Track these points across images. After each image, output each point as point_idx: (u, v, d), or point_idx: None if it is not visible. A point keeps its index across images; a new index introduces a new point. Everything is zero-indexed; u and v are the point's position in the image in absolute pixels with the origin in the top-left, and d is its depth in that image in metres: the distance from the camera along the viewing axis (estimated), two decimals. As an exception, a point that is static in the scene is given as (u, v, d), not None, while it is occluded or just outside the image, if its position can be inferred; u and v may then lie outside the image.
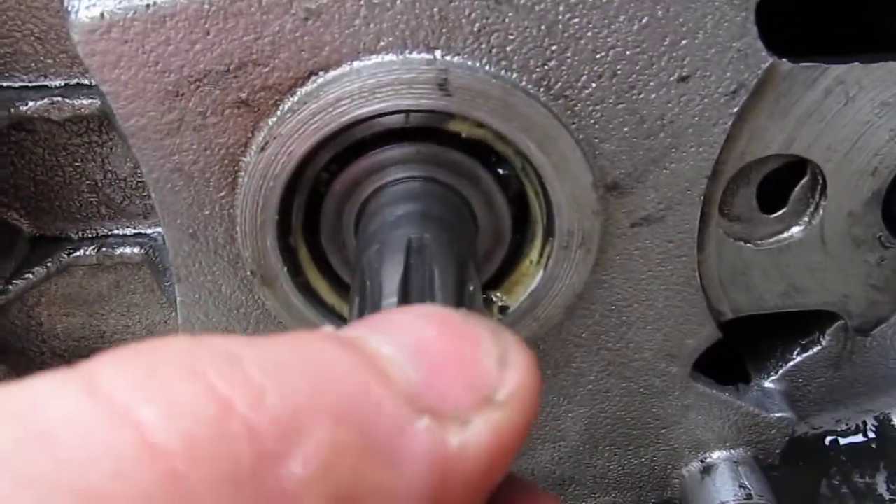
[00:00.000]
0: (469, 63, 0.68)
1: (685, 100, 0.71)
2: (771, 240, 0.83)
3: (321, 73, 0.68)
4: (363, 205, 0.75)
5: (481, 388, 0.36)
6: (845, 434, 1.00)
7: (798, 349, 0.94)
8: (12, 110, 0.82)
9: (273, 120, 0.70)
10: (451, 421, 0.35)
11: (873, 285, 0.86)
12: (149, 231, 0.92)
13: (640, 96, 0.71)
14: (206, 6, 0.66)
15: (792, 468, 0.98)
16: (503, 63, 0.69)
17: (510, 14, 0.67)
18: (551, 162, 0.71)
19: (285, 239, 0.75)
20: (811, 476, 1.00)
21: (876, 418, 0.99)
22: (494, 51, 0.68)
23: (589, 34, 0.68)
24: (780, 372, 0.95)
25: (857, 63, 0.73)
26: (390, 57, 0.68)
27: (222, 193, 0.74)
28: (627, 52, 0.69)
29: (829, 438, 1.00)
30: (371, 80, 0.68)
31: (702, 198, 0.76)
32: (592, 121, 0.71)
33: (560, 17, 0.67)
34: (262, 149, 0.70)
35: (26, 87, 0.83)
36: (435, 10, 0.66)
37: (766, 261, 0.84)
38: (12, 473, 0.27)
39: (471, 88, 0.68)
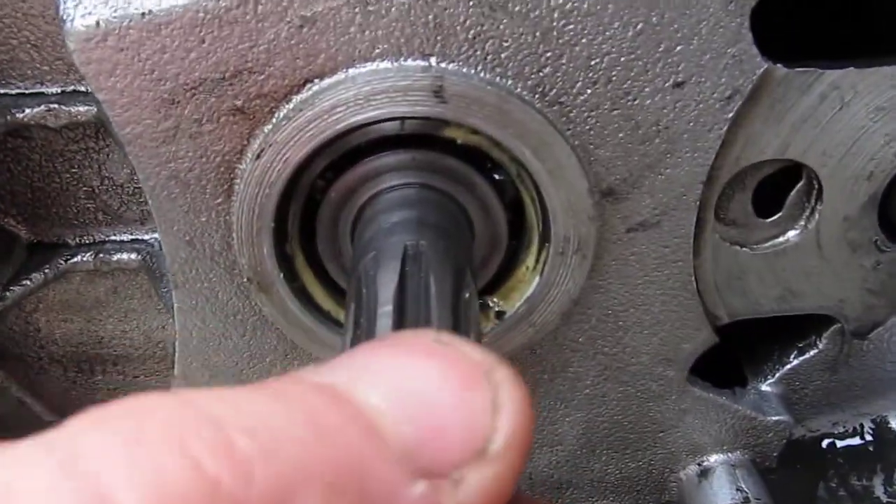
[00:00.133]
0: (464, 70, 0.68)
1: (680, 105, 0.71)
2: (767, 244, 0.83)
3: (316, 81, 0.69)
4: (359, 211, 0.75)
5: (474, 440, 0.35)
6: (842, 437, 1.00)
7: (795, 353, 0.94)
8: (9, 117, 0.82)
9: (269, 127, 0.70)
10: (445, 482, 0.34)
11: (869, 289, 0.86)
12: (146, 237, 0.92)
13: (636, 102, 0.71)
14: (202, 14, 0.66)
15: (789, 471, 0.99)
16: (498, 70, 0.69)
17: (505, 21, 0.67)
18: (547, 168, 0.71)
19: (282, 246, 0.76)
20: (808, 479, 1.00)
21: (873, 421, 0.99)
22: (489, 57, 0.68)
23: (584, 41, 0.68)
24: (777, 375, 0.95)
25: (851, 68, 0.74)
26: (385, 64, 0.68)
27: (218, 200, 0.74)
28: (622, 59, 0.69)
29: (826, 441, 1.00)
30: (366, 88, 0.68)
31: (697, 203, 0.76)
32: (588, 127, 0.71)
33: (555, 23, 0.67)
34: (258, 156, 0.70)
35: (23, 94, 0.83)
36: (430, 17, 0.67)
37: (762, 265, 0.84)
38: None
39: (466, 95, 0.68)
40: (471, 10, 0.66)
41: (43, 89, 0.83)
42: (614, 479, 0.97)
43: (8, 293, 0.90)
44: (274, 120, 0.70)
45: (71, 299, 0.95)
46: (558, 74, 0.69)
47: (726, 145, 0.74)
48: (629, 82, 0.70)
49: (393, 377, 0.36)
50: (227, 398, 0.33)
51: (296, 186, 0.73)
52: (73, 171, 0.88)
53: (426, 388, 0.36)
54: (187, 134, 0.71)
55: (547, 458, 0.95)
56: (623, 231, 0.77)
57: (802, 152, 0.77)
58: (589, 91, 0.70)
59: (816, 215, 0.81)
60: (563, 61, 0.69)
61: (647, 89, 0.70)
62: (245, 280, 0.77)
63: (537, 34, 0.67)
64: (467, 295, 0.63)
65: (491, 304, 0.81)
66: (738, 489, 0.93)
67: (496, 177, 0.76)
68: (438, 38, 0.67)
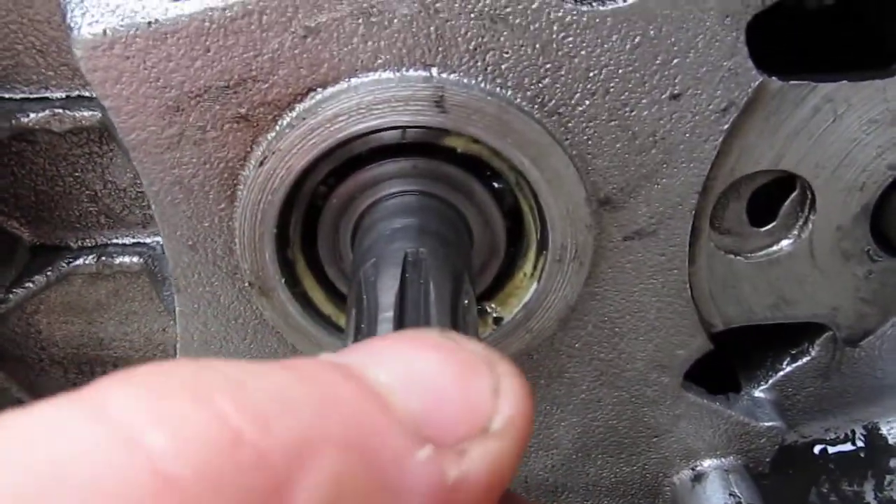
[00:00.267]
0: (465, 80, 0.70)
1: (677, 117, 0.72)
2: (761, 253, 0.85)
3: (319, 90, 0.70)
4: (360, 218, 0.76)
5: (477, 418, 0.37)
6: (834, 443, 1.01)
7: (788, 359, 0.96)
8: (14, 122, 0.83)
9: (272, 135, 0.71)
10: (449, 451, 0.36)
11: (862, 298, 0.88)
12: (148, 240, 0.93)
13: (633, 113, 0.72)
14: (207, 24, 0.67)
15: (782, 476, 1.00)
16: (498, 80, 0.70)
17: (505, 33, 0.68)
18: (545, 177, 0.72)
19: (283, 251, 0.77)
20: (801, 484, 1.02)
21: (864, 427, 1.01)
22: (490, 68, 0.69)
23: (583, 53, 0.69)
24: (771, 381, 0.96)
25: (845, 81, 0.75)
26: (387, 74, 0.69)
27: (221, 206, 0.75)
28: (620, 71, 0.70)
29: (818, 447, 1.01)
30: (368, 97, 0.69)
31: (693, 212, 0.78)
32: (585, 137, 0.73)
33: (554, 36, 0.68)
34: (261, 163, 0.71)
35: (28, 98, 0.84)
36: (431, 28, 0.68)
37: (756, 273, 0.85)
38: (23, 499, 0.27)
39: (466, 105, 0.69)
40: (472, 22, 0.67)
41: (48, 94, 0.84)
42: (609, 483, 0.98)
43: (11, 295, 0.90)
44: (277, 128, 0.71)
45: (72, 301, 0.96)
46: (557, 85, 0.70)
47: (721, 156, 0.76)
48: (626, 94, 0.71)
49: (400, 361, 0.39)
50: (245, 366, 0.34)
51: (298, 193, 0.74)
52: (77, 174, 0.89)
53: (432, 371, 0.38)
54: (191, 141, 0.72)
55: (542, 461, 0.96)
56: (620, 239, 0.79)
57: (796, 163, 0.78)
58: (587, 102, 0.71)
59: (810, 225, 0.82)
60: (562, 73, 0.70)
61: (644, 101, 0.71)
62: (247, 284, 0.78)
63: (537, 46, 0.69)
64: (466, 301, 0.64)
65: (489, 310, 0.82)
66: (731, 494, 0.94)
67: (495, 185, 0.77)
68: (440, 49, 0.69)
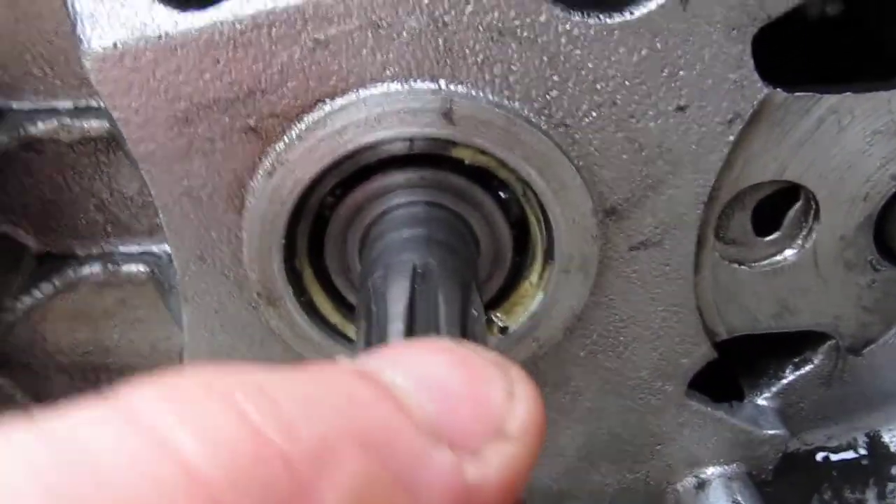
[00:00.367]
0: (472, 92, 0.70)
1: (683, 129, 0.73)
2: (765, 262, 0.85)
3: (328, 101, 0.70)
4: (368, 228, 0.76)
5: (492, 421, 0.38)
6: (837, 450, 1.02)
7: (791, 367, 0.96)
8: (21, 132, 0.83)
9: (281, 146, 0.71)
10: (466, 452, 0.37)
11: (864, 307, 0.88)
12: (154, 249, 0.93)
13: (639, 125, 0.72)
14: (217, 37, 0.67)
15: (784, 483, 1.00)
16: (506, 92, 0.70)
17: (513, 45, 0.69)
18: (552, 188, 0.73)
19: (291, 261, 0.77)
20: (803, 491, 1.02)
21: (867, 435, 1.01)
22: (497, 81, 0.70)
23: (590, 65, 0.70)
24: (774, 389, 0.97)
25: (849, 93, 0.75)
26: (396, 86, 0.70)
27: (230, 216, 0.75)
28: (627, 83, 0.71)
29: (820, 454, 1.02)
30: (377, 109, 0.69)
31: (698, 222, 0.78)
32: (592, 148, 0.73)
33: (562, 48, 0.69)
34: (270, 174, 0.72)
35: (36, 109, 0.84)
36: (440, 41, 0.68)
37: (759, 282, 0.86)
38: (57, 499, 0.28)
39: (474, 117, 0.70)
40: (480, 34, 0.68)
41: (55, 104, 0.84)
42: (613, 490, 0.99)
43: (17, 304, 0.91)
44: (286, 139, 0.71)
45: (78, 309, 0.96)
46: (564, 97, 0.71)
47: (726, 167, 0.76)
48: (633, 105, 0.72)
49: (415, 364, 0.40)
50: (267, 371, 0.35)
51: (306, 203, 0.75)
52: (84, 183, 0.89)
53: (446, 374, 0.39)
54: (200, 152, 0.72)
55: (547, 468, 0.96)
56: (625, 249, 0.79)
57: (800, 174, 0.78)
58: (594, 114, 0.72)
59: (814, 235, 0.83)
60: (570, 85, 0.70)
61: (650, 112, 0.72)
62: (254, 294, 0.78)
63: (544, 58, 0.69)
64: (475, 312, 0.64)
65: (495, 319, 0.82)
66: (734, 501, 0.95)
67: (501, 195, 0.78)
68: (448, 61, 0.69)
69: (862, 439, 1.01)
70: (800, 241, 0.84)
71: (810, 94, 0.75)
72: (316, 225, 0.77)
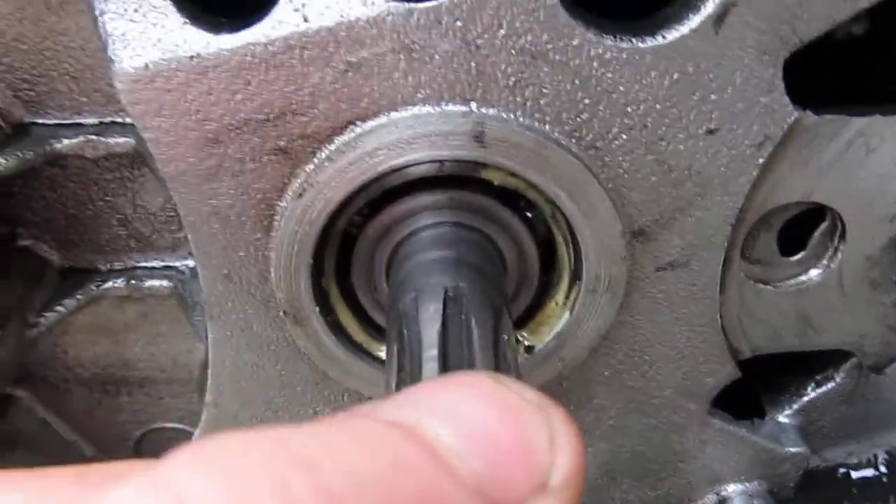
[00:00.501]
0: (503, 115, 0.70)
1: (712, 151, 0.73)
2: (791, 282, 0.85)
3: (359, 123, 0.70)
4: (395, 248, 0.76)
5: (537, 475, 0.38)
6: (857, 468, 1.02)
7: (812, 385, 0.96)
8: (47, 147, 0.83)
9: (310, 167, 0.71)
10: None
11: (889, 326, 0.88)
12: (177, 264, 0.93)
13: (669, 147, 0.72)
14: (249, 58, 0.67)
15: (805, 501, 1.00)
16: (537, 115, 0.70)
17: (545, 69, 0.68)
18: (581, 210, 0.73)
19: (318, 280, 0.77)
20: (823, 508, 1.02)
21: (887, 452, 1.01)
22: (529, 103, 0.70)
23: (621, 88, 0.70)
24: (795, 407, 0.97)
25: (878, 115, 0.75)
26: (427, 108, 0.69)
27: (257, 236, 0.75)
28: (658, 106, 0.70)
29: (841, 471, 1.02)
30: (408, 132, 0.69)
31: (726, 244, 0.78)
32: (622, 171, 0.73)
33: (594, 72, 0.69)
34: (300, 195, 0.72)
35: (61, 124, 0.84)
36: (472, 64, 0.68)
37: (785, 302, 0.85)
38: None
39: (505, 140, 0.70)
40: (512, 58, 0.68)
41: (81, 120, 0.84)
42: (633, 506, 0.99)
43: (41, 319, 0.91)
44: (316, 160, 0.71)
45: (100, 323, 0.96)
46: (595, 120, 0.71)
47: (754, 188, 0.76)
48: (663, 128, 0.71)
49: (458, 415, 0.39)
50: (315, 437, 0.34)
51: (334, 223, 0.75)
52: (107, 199, 0.89)
53: (490, 424, 0.39)
54: (230, 172, 0.72)
55: (568, 485, 0.96)
56: (652, 270, 0.79)
57: (828, 196, 0.78)
58: (624, 136, 0.72)
59: (839, 255, 0.83)
60: (601, 108, 0.70)
61: (680, 135, 0.72)
62: (281, 313, 0.78)
63: (576, 82, 0.69)
64: (506, 336, 0.64)
65: (521, 339, 0.82)
66: (754, 518, 0.95)
67: (528, 214, 0.78)
68: (480, 84, 0.69)
69: (882, 457, 1.01)
70: (825, 262, 0.84)
71: (840, 116, 0.75)
72: (343, 244, 0.77)
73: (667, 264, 0.79)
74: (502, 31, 0.67)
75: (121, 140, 0.84)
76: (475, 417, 0.39)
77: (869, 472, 1.01)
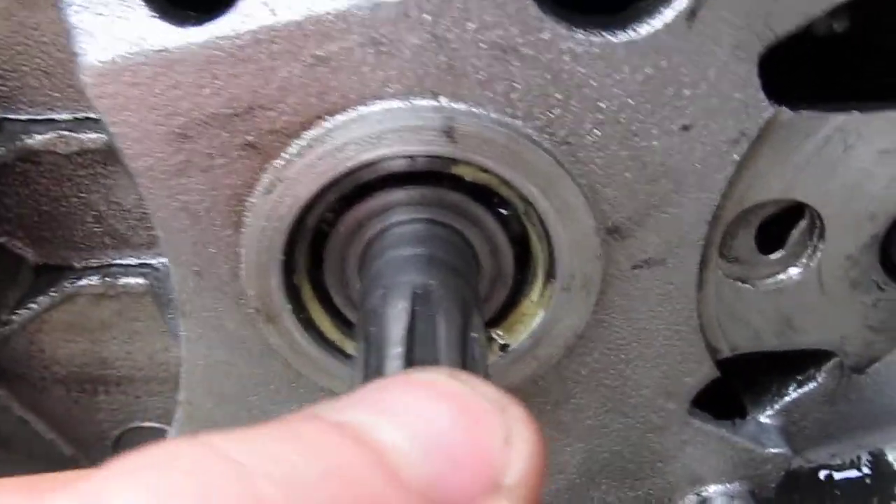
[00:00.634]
0: (474, 110, 0.69)
1: (687, 148, 0.72)
2: (769, 281, 0.84)
3: (328, 118, 0.69)
4: (367, 245, 0.75)
5: (489, 475, 0.37)
6: (840, 468, 1.01)
7: (794, 385, 0.95)
8: (19, 143, 0.83)
9: (280, 162, 0.70)
10: None
11: (869, 326, 0.87)
12: (152, 261, 0.92)
13: (643, 143, 0.71)
14: (216, 52, 0.66)
15: (787, 502, 0.99)
16: (508, 110, 0.69)
17: (516, 63, 0.68)
18: (554, 207, 0.72)
19: (289, 277, 0.76)
20: (806, 509, 1.01)
21: (870, 453, 1.00)
22: (500, 98, 0.69)
23: (593, 83, 0.69)
24: (777, 407, 0.96)
25: (856, 112, 0.75)
26: (397, 103, 0.69)
27: (228, 232, 0.75)
28: (631, 101, 0.70)
29: (823, 472, 1.01)
30: (378, 126, 0.68)
31: (702, 241, 0.77)
32: (595, 167, 0.72)
33: (565, 66, 0.68)
34: (269, 191, 0.71)
35: (33, 120, 0.83)
36: (442, 58, 0.67)
37: (763, 301, 0.85)
38: None
39: (476, 135, 0.69)
40: (482, 52, 0.67)
41: (53, 116, 0.84)
42: (613, 507, 0.98)
43: (14, 316, 0.90)
44: (285, 155, 0.70)
45: (76, 321, 0.95)
46: (567, 115, 0.70)
47: (731, 185, 0.75)
48: (637, 124, 0.71)
49: (410, 416, 0.38)
50: (248, 441, 0.34)
51: (305, 219, 0.74)
52: (81, 195, 0.88)
53: (443, 425, 0.38)
54: (199, 168, 0.71)
55: (547, 486, 0.95)
56: (628, 268, 0.78)
57: (806, 193, 0.77)
58: (597, 132, 0.71)
59: (819, 254, 0.82)
60: (573, 103, 0.69)
61: (654, 131, 0.71)
62: (252, 310, 0.77)
63: (547, 76, 0.68)
64: (475, 334, 0.63)
65: (495, 337, 0.81)
66: (736, 519, 0.94)
67: (502, 212, 0.77)
68: (450, 78, 0.68)
69: (865, 458, 1.00)
70: (804, 260, 0.83)
71: (817, 113, 0.74)
72: (315, 241, 0.76)
73: (642, 262, 0.78)
74: (472, 25, 0.66)
75: (94, 136, 0.83)
76: (426, 417, 0.38)
77: (852, 474, 1.00)
